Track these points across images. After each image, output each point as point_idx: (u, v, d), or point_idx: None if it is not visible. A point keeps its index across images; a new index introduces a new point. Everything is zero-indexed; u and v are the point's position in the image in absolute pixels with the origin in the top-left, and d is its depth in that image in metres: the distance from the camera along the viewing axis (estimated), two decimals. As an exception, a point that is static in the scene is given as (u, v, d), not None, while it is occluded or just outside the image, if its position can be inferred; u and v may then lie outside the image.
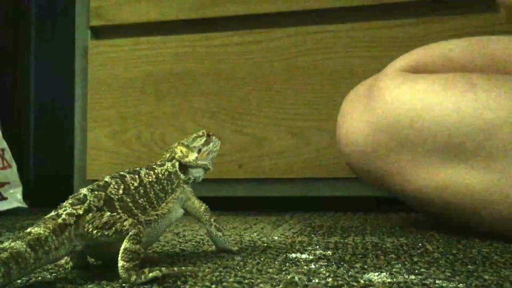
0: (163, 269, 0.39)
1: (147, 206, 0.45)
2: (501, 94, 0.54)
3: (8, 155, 1.05)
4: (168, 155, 0.50)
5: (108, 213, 0.41)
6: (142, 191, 0.45)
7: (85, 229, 0.39)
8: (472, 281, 0.38)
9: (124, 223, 0.40)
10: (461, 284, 0.37)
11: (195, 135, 0.52)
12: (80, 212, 0.40)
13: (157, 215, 0.45)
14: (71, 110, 1.07)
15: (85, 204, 0.41)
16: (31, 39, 1.25)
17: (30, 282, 0.40)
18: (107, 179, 0.44)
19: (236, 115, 0.96)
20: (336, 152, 0.71)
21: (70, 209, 0.40)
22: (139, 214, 0.44)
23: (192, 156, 0.51)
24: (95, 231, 0.39)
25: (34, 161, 1.25)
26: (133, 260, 0.38)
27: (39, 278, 0.42)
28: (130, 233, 0.39)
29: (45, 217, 0.39)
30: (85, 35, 1.05)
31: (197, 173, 0.51)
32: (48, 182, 1.21)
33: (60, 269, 0.44)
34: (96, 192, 0.42)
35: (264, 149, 0.94)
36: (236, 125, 0.95)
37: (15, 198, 1.03)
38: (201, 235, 0.63)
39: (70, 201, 0.41)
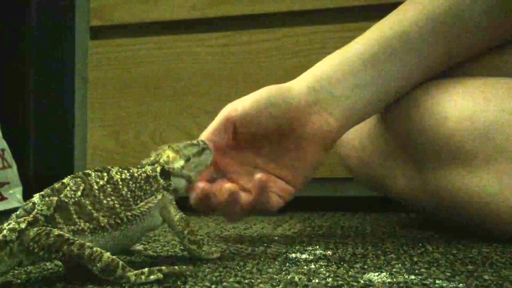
0: (164, 268, 0.39)
1: (116, 205, 0.42)
2: (498, 96, 0.54)
3: (8, 155, 1.05)
4: (152, 158, 0.47)
5: (56, 232, 0.38)
6: (109, 189, 0.42)
7: (30, 248, 0.37)
8: (472, 281, 0.38)
9: (72, 248, 0.37)
10: (461, 284, 0.37)
11: (189, 142, 0.49)
12: (23, 226, 0.37)
13: (132, 215, 0.42)
14: (71, 110, 1.07)
15: (30, 216, 0.38)
16: (31, 39, 1.25)
17: (30, 282, 0.40)
18: (66, 179, 0.41)
19: (236, 115, 0.96)
20: (336, 152, 0.71)
21: (14, 223, 0.38)
22: (100, 218, 0.41)
23: (178, 164, 0.47)
24: (41, 252, 0.37)
25: (34, 161, 1.25)
26: (115, 272, 0.37)
27: (39, 278, 0.42)
28: (85, 257, 0.37)
29: None
30: (85, 35, 1.05)
31: (179, 184, 0.47)
32: (48, 182, 1.21)
33: (60, 269, 0.44)
34: (47, 199, 0.39)
35: (264, 149, 0.94)
36: (236, 125, 0.95)
37: (15, 198, 1.03)
38: (201, 236, 0.63)
39: (19, 211, 0.39)
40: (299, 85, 0.55)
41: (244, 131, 0.54)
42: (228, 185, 0.52)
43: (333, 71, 0.55)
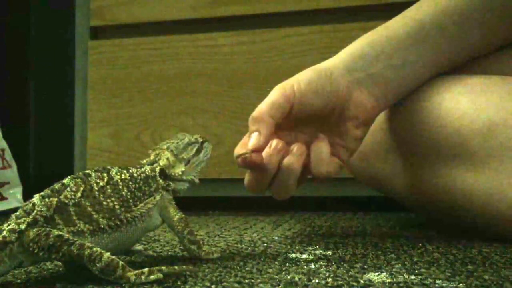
0: (163, 268, 0.39)
1: (116, 207, 0.42)
2: (499, 95, 0.54)
3: (8, 155, 1.05)
4: (152, 157, 0.47)
5: (55, 233, 0.38)
6: (109, 190, 0.42)
7: (30, 249, 0.37)
8: (472, 281, 0.38)
9: (72, 248, 0.37)
10: (461, 284, 0.37)
11: (187, 140, 0.49)
12: (23, 227, 0.38)
13: (131, 217, 0.43)
14: (71, 110, 1.07)
15: (30, 216, 0.38)
16: (31, 39, 1.25)
17: (30, 282, 0.40)
18: (66, 180, 0.41)
19: (236, 115, 0.96)
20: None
21: (14, 223, 0.38)
22: (100, 219, 0.41)
23: (179, 169, 0.47)
24: (41, 253, 0.37)
25: (34, 161, 1.25)
26: (115, 272, 0.37)
27: (39, 278, 0.42)
28: (85, 258, 0.37)
29: None
30: (85, 35, 1.05)
31: (182, 186, 0.48)
32: (48, 182, 1.21)
33: (60, 269, 0.44)
34: (46, 200, 0.39)
35: (264, 149, 0.94)
36: (236, 125, 0.95)
37: (15, 198, 1.03)
38: (201, 236, 0.63)
39: (18, 212, 0.39)
40: (337, 65, 0.56)
41: (297, 111, 0.54)
42: (298, 144, 0.54)
43: (366, 51, 0.57)
